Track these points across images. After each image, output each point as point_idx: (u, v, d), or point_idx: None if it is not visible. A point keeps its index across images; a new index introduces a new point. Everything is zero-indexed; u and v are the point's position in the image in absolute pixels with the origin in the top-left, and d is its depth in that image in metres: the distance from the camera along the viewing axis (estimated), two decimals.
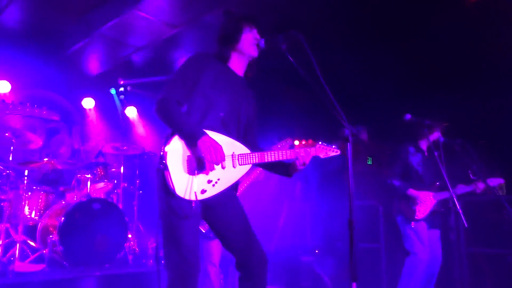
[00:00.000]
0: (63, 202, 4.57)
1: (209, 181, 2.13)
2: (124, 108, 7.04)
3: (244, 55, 2.38)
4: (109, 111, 6.95)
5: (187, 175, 2.07)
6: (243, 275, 2.29)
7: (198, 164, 2.09)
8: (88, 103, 6.76)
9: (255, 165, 2.38)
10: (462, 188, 3.93)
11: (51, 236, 4.01)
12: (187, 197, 2.06)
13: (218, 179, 2.15)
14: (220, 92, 2.27)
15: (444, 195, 3.93)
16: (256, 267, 2.26)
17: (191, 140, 2.07)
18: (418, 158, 4.11)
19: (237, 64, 2.41)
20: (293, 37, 2.22)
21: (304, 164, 2.31)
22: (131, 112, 7.12)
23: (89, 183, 4.65)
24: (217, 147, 2.07)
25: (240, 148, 2.24)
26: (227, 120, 2.27)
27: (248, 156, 2.24)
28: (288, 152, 2.31)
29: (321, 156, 2.37)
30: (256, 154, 2.26)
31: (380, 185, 4.66)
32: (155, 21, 4.98)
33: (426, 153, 4.17)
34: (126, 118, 7.14)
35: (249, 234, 2.30)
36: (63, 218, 4.05)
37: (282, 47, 2.28)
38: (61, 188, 4.84)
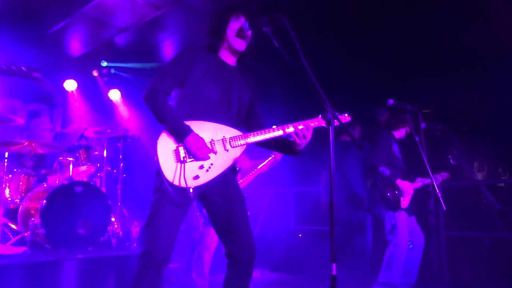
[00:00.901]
0: (45, 185, 4.52)
1: (201, 167, 2.19)
2: (107, 91, 6.95)
3: (232, 47, 2.40)
4: (92, 93, 6.84)
5: (177, 163, 2.16)
6: (231, 264, 2.34)
7: (187, 152, 2.17)
8: (71, 85, 6.64)
9: (256, 145, 2.43)
10: (420, 181, 4.01)
11: (32, 219, 3.97)
12: (177, 184, 2.13)
13: (212, 164, 2.22)
14: (210, 80, 2.33)
15: (418, 184, 4.01)
16: (243, 259, 2.31)
17: (177, 137, 2.18)
18: (396, 147, 4.15)
19: (227, 55, 2.45)
20: (277, 20, 2.20)
21: (304, 137, 2.27)
22: (115, 95, 7.03)
23: (71, 166, 4.60)
24: (202, 145, 2.17)
25: (231, 132, 2.29)
26: (217, 106, 2.33)
27: (239, 138, 2.29)
28: (282, 127, 2.30)
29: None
30: (247, 134, 2.30)
31: (365, 171, 4.69)
32: (138, 2, 4.89)
33: (399, 143, 4.22)
34: (109, 100, 7.05)
35: (242, 226, 2.33)
36: (44, 201, 4.01)
37: (266, 30, 2.26)
38: (43, 171, 4.79)
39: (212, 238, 3.69)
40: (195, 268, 3.69)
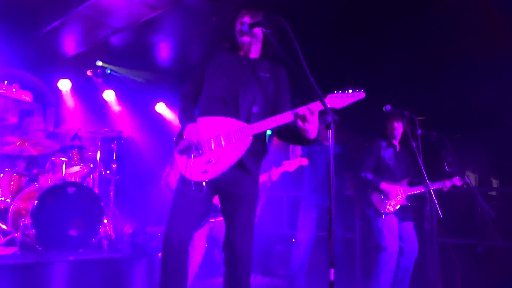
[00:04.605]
0: (37, 185, 4.45)
1: (209, 161, 2.30)
2: (102, 91, 6.89)
3: (240, 43, 2.49)
4: (86, 93, 6.78)
5: (186, 159, 2.34)
6: (224, 261, 2.41)
7: (193, 149, 2.33)
8: (64, 84, 6.57)
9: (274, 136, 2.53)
10: (430, 186, 3.99)
11: (23, 219, 3.90)
12: (188, 177, 2.30)
13: (219, 158, 2.30)
14: (219, 76, 2.44)
15: (414, 190, 4.00)
16: (229, 258, 2.38)
17: (181, 134, 2.41)
18: (389, 153, 4.17)
19: (245, 50, 2.51)
20: (276, 21, 2.20)
21: (304, 118, 2.14)
22: (109, 95, 6.97)
23: (64, 166, 4.54)
24: (194, 131, 2.32)
25: (236, 124, 2.33)
26: (225, 100, 2.40)
27: (243, 130, 2.30)
28: (285, 114, 2.24)
29: (337, 106, 2.25)
30: (251, 125, 2.30)
31: (355, 177, 4.70)
32: (135, 2, 4.85)
33: (398, 148, 4.22)
34: (104, 101, 6.99)
35: (235, 227, 2.39)
36: (36, 201, 3.94)
37: (266, 31, 2.28)
38: (35, 171, 4.71)
39: (199, 243, 3.63)
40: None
